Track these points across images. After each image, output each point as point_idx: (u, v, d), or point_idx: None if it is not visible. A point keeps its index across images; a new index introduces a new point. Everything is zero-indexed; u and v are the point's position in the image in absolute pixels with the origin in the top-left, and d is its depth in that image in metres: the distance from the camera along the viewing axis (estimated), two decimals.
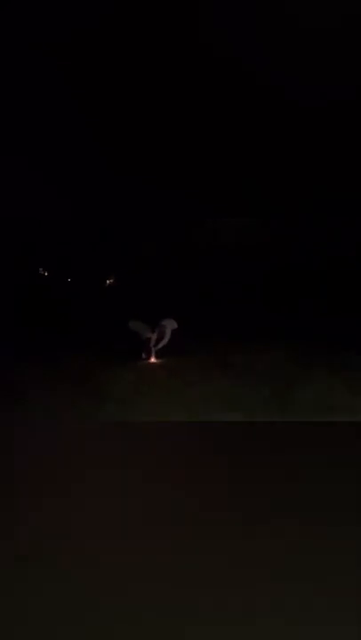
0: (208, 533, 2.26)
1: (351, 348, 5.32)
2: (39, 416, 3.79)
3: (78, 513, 2.47)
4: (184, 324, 5.31)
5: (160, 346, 5.12)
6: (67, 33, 8.72)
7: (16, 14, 8.37)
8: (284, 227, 9.75)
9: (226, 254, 9.94)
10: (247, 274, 9.30)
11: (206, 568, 2.04)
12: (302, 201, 9.57)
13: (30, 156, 9.64)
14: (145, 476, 2.83)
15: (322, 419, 3.68)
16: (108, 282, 7.73)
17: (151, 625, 1.76)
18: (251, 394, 4.13)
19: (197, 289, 8.57)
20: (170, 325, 5.15)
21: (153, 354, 5.08)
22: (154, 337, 5.08)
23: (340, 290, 7.94)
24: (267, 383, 4.34)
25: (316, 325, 6.46)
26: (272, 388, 4.23)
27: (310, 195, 9.53)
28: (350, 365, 4.83)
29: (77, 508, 2.51)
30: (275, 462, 2.97)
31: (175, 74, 9.43)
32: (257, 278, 9.10)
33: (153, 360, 5.05)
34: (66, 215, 10.11)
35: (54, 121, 9.52)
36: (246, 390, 4.20)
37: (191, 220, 10.30)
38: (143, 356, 5.08)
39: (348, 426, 3.58)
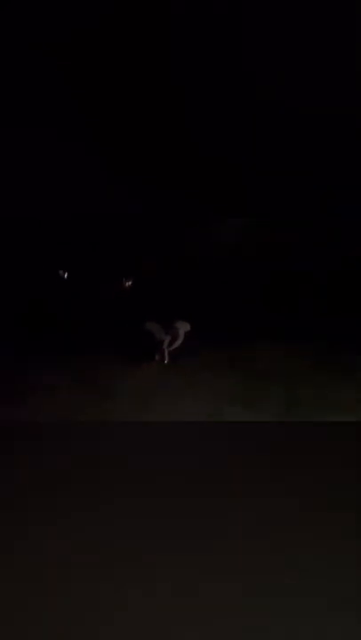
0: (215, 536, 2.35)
1: (352, 348, 5.44)
2: (54, 414, 3.88)
3: (81, 514, 2.55)
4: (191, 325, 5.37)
5: (173, 347, 5.18)
6: (67, 33, 8.69)
7: (16, 14, 8.32)
8: (284, 227, 9.83)
9: (226, 254, 10.00)
10: (247, 274, 9.38)
11: (209, 568, 2.12)
12: (302, 201, 9.67)
13: (30, 155, 9.59)
14: (155, 475, 2.93)
15: (324, 419, 3.79)
16: (127, 284, 7.75)
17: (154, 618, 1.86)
18: (256, 394, 4.23)
19: (197, 289, 8.61)
20: (183, 327, 5.22)
21: (166, 355, 5.14)
22: (167, 339, 5.14)
23: (341, 290, 8.05)
24: (272, 383, 4.45)
25: (317, 325, 6.56)
26: (276, 388, 4.34)
27: (310, 194, 9.64)
28: (353, 365, 4.96)
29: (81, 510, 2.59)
30: (276, 462, 3.08)
31: (175, 74, 9.45)
32: (257, 278, 9.18)
33: (166, 361, 5.11)
34: (66, 215, 10.09)
35: (54, 121, 9.48)
36: (252, 390, 4.30)
37: (191, 220, 10.33)
38: (156, 357, 5.14)
39: (348, 426, 3.69)
